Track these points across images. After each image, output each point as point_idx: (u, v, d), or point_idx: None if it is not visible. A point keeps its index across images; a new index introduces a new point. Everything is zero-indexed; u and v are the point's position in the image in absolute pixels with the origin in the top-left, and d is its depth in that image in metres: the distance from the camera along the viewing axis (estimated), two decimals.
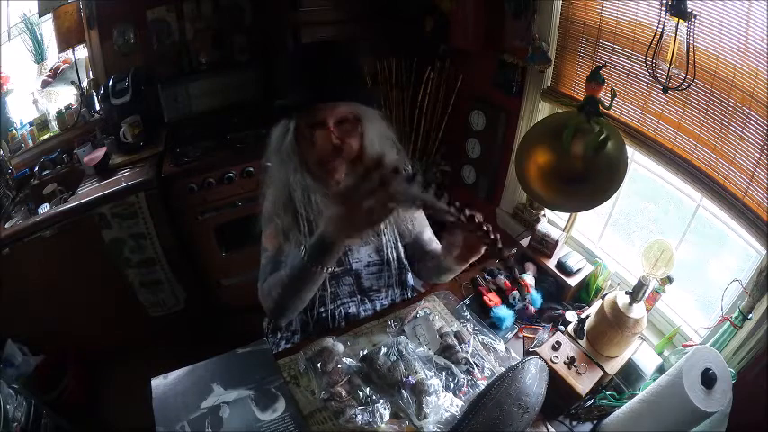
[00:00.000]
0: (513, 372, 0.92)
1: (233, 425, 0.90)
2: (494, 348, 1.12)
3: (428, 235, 1.22)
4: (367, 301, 1.19)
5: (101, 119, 2.07)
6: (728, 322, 1.07)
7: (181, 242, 2.01)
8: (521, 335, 1.20)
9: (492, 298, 1.26)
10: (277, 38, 2.08)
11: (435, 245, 1.20)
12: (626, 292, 1.06)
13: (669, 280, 1.16)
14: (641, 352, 1.10)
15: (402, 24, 2.10)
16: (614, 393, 1.03)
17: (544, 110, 1.69)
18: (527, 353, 1.14)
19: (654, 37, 1.15)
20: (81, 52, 2.00)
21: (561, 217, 1.73)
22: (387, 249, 1.14)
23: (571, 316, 1.19)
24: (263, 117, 2.13)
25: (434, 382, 0.97)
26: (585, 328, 1.10)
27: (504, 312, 1.20)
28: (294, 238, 1.01)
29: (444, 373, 1.02)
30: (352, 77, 0.97)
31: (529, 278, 1.29)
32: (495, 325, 1.20)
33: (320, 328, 1.17)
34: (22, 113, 1.99)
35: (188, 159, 1.91)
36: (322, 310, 1.15)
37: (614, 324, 1.02)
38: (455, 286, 1.32)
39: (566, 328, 1.15)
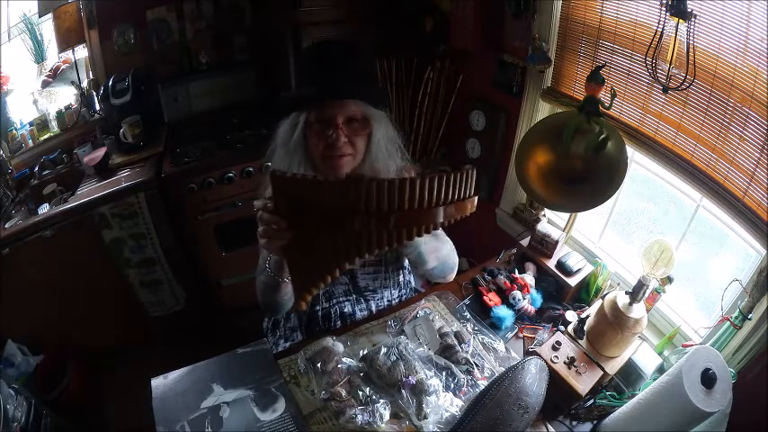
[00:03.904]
0: (513, 372, 0.92)
1: (233, 425, 0.90)
2: (494, 348, 1.12)
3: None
4: (362, 300, 1.19)
5: (101, 119, 2.07)
6: (728, 322, 1.07)
7: (181, 242, 2.00)
8: (521, 335, 1.20)
9: (492, 298, 1.26)
10: (277, 38, 2.08)
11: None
12: (626, 292, 1.06)
13: (669, 280, 1.17)
14: (641, 352, 1.10)
15: (402, 24, 2.10)
16: (614, 393, 1.03)
17: (544, 110, 1.69)
18: (527, 353, 1.14)
19: (654, 37, 1.15)
20: (81, 52, 2.00)
21: (561, 217, 1.73)
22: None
23: (571, 316, 1.19)
24: (263, 117, 2.14)
25: (434, 382, 0.97)
26: (585, 328, 1.10)
27: (504, 312, 1.20)
28: None
29: (444, 373, 1.02)
30: (365, 77, 0.97)
31: (529, 278, 1.30)
32: (495, 325, 1.20)
33: (316, 326, 1.17)
34: (22, 113, 1.99)
35: (188, 159, 1.91)
36: (318, 308, 1.15)
37: (614, 324, 1.02)
38: (455, 286, 1.32)
39: (566, 328, 1.15)
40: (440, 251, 1.04)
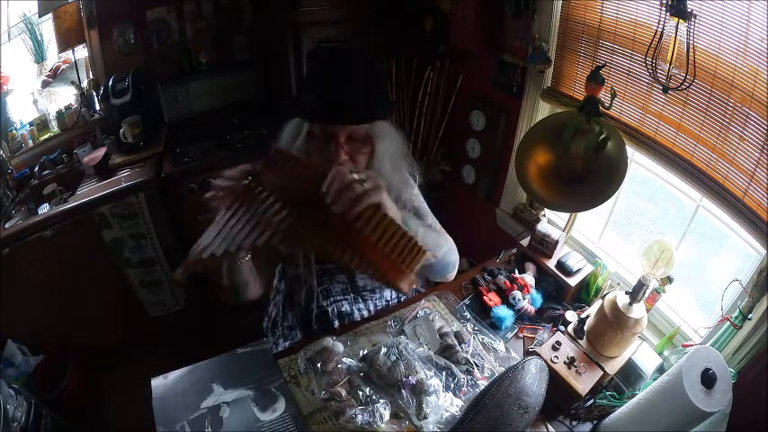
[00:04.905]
0: (513, 372, 0.92)
1: (233, 425, 0.90)
2: (494, 348, 1.12)
3: (424, 225, 1.09)
4: (360, 300, 1.19)
5: (101, 119, 2.07)
6: (728, 322, 1.07)
7: (181, 242, 2.00)
8: (521, 335, 1.20)
9: (492, 298, 1.26)
10: (277, 38, 2.08)
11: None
12: (626, 292, 1.06)
13: (669, 280, 1.17)
14: (641, 352, 1.10)
15: (402, 24, 2.10)
16: (614, 393, 1.03)
17: (544, 110, 1.69)
18: (527, 353, 1.14)
19: (654, 37, 1.15)
20: (81, 52, 2.00)
21: (561, 217, 1.73)
22: None
23: (571, 316, 1.19)
24: (263, 117, 2.14)
25: (434, 382, 0.97)
26: (585, 328, 1.10)
27: (504, 312, 1.20)
28: None
29: (444, 373, 1.02)
30: (370, 100, 0.94)
31: (529, 278, 1.30)
32: (495, 325, 1.20)
33: (315, 325, 1.17)
34: (22, 113, 1.99)
35: (188, 159, 1.91)
36: (314, 306, 1.15)
37: (614, 324, 1.02)
38: (455, 286, 1.32)
39: (566, 328, 1.15)
40: (439, 247, 1.02)
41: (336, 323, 1.17)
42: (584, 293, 1.31)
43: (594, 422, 1.00)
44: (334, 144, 0.90)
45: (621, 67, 1.32)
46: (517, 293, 1.24)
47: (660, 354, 1.14)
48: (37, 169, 1.93)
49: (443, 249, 1.03)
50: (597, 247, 1.62)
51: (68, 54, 1.99)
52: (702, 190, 1.18)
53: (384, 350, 1.02)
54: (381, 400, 0.95)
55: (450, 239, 1.09)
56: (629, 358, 1.08)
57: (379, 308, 1.23)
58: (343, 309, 1.17)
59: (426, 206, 1.14)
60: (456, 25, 1.85)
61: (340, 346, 1.07)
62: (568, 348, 1.07)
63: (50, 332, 1.83)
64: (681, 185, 1.30)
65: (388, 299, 1.24)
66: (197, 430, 0.88)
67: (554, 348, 1.07)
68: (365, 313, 1.21)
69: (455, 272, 1.12)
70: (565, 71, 1.55)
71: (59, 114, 2.03)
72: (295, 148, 0.95)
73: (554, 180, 1.23)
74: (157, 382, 0.96)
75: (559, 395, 1.00)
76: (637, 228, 1.57)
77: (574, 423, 1.00)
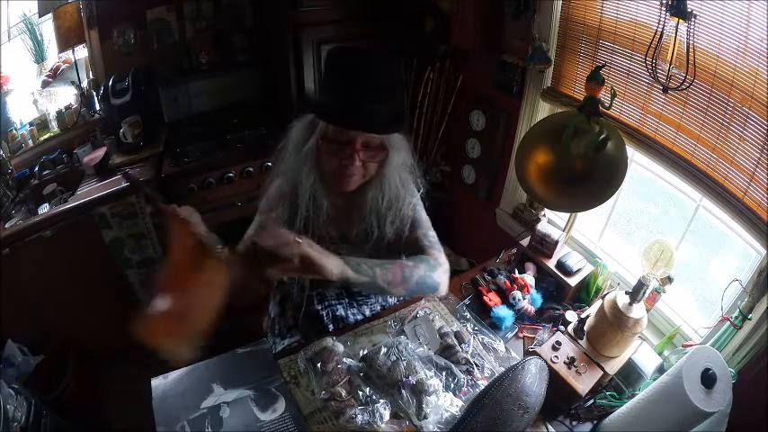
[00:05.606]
0: (513, 372, 0.92)
1: (233, 425, 0.90)
2: (494, 348, 1.12)
3: (415, 236, 1.06)
4: (355, 304, 1.20)
5: (101, 119, 2.07)
6: (728, 322, 1.07)
7: None
8: (521, 335, 1.20)
9: (492, 298, 1.26)
10: (277, 37, 2.08)
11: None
12: (626, 292, 1.06)
13: (669, 280, 1.17)
14: (641, 352, 1.10)
15: (402, 24, 2.10)
16: (614, 393, 1.03)
17: (544, 110, 1.69)
18: (527, 353, 1.14)
19: (654, 37, 1.15)
20: (81, 52, 2.00)
21: (561, 217, 1.73)
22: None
23: (571, 316, 1.19)
24: (262, 117, 2.14)
25: (434, 382, 0.97)
26: (585, 328, 1.10)
27: (504, 312, 1.20)
28: None
29: (444, 373, 1.02)
30: (396, 110, 0.93)
31: (529, 278, 1.30)
32: (495, 325, 1.20)
33: (311, 327, 1.17)
34: (22, 113, 1.99)
35: (188, 159, 1.91)
36: (303, 307, 1.15)
37: (614, 324, 1.02)
38: (455, 286, 1.32)
39: (566, 328, 1.15)
40: (408, 281, 0.92)
41: (331, 327, 1.17)
42: (585, 293, 1.31)
43: (594, 422, 1.00)
44: (351, 149, 0.89)
45: (621, 67, 1.32)
46: (517, 293, 1.24)
47: (660, 354, 1.14)
48: (37, 169, 1.93)
49: (410, 284, 0.93)
50: (597, 247, 1.62)
51: (68, 54, 1.98)
52: (702, 190, 1.18)
53: (384, 350, 1.02)
54: (381, 400, 0.95)
55: (436, 256, 1.01)
56: (629, 358, 1.08)
57: (374, 312, 1.23)
58: (337, 313, 1.17)
59: (425, 216, 1.08)
60: (456, 25, 1.85)
61: (340, 347, 1.07)
62: (568, 348, 1.07)
63: (50, 332, 1.83)
64: (681, 185, 1.30)
65: (383, 303, 1.24)
66: (197, 430, 0.88)
67: (554, 348, 1.07)
68: (359, 317, 1.21)
69: (441, 289, 1.01)
70: (565, 71, 1.55)
71: (59, 114, 2.03)
72: (305, 149, 0.93)
73: (554, 180, 1.23)
74: (157, 382, 0.97)
75: (559, 395, 1.00)
76: (637, 228, 1.57)
77: (574, 423, 1.00)
